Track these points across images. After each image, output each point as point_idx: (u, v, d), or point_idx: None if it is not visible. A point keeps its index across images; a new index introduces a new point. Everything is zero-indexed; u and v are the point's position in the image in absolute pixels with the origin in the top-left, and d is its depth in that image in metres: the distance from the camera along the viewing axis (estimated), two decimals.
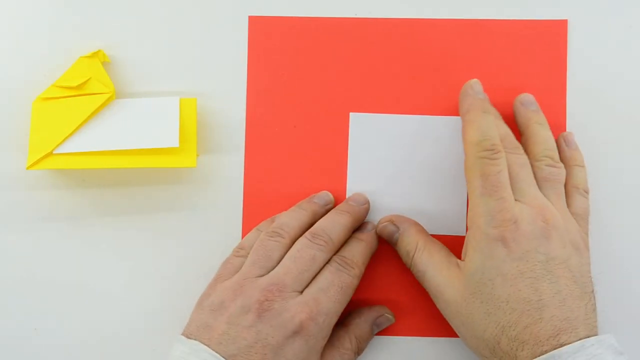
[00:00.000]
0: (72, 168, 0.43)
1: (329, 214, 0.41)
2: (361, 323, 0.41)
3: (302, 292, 0.38)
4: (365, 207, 0.42)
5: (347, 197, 0.43)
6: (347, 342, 0.40)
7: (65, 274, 0.44)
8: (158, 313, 0.43)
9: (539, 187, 0.39)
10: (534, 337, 0.34)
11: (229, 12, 0.45)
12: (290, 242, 0.40)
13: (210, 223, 0.44)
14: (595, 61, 0.44)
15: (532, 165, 0.39)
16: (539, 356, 0.33)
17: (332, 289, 0.38)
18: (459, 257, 0.39)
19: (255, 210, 0.44)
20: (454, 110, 0.43)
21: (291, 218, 0.41)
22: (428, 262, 0.39)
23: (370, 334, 0.42)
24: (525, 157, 0.39)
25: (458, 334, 0.39)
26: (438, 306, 0.39)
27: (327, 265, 0.39)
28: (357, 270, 0.40)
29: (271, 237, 0.40)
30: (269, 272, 0.38)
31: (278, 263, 0.39)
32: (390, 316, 0.42)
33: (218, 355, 0.35)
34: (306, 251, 0.39)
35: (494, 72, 0.44)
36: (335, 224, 0.40)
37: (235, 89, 0.45)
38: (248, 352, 0.35)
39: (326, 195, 0.43)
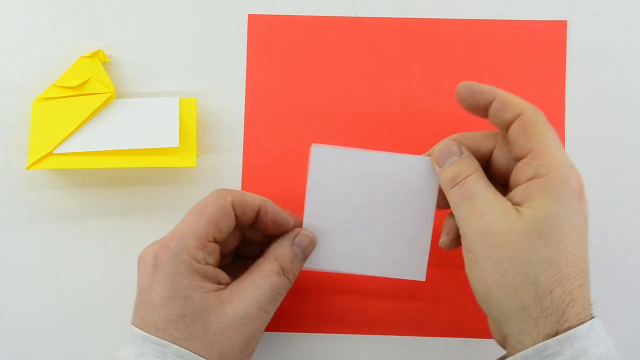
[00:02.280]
0: (72, 168, 0.44)
1: None
2: (279, 244, 0.39)
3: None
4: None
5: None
6: (266, 264, 0.38)
7: (65, 273, 0.44)
8: None
9: None
10: (583, 298, 0.33)
11: (229, 10, 0.45)
12: None
13: None
14: (595, 61, 0.44)
15: None
16: (583, 322, 0.33)
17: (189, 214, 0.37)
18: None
19: None
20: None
21: None
22: (484, 185, 0.36)
23: (293, 254, 0.39)
24: None
25: (482, 267, 0.35)
26: (474, 230, 0.35)
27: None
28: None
29: None
30: None
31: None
32: (308, 233, 0.40)
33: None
34: None
35: (493, 72, 0.44)
36: None
37: (235, 89, 0.45)
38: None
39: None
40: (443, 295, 0.43)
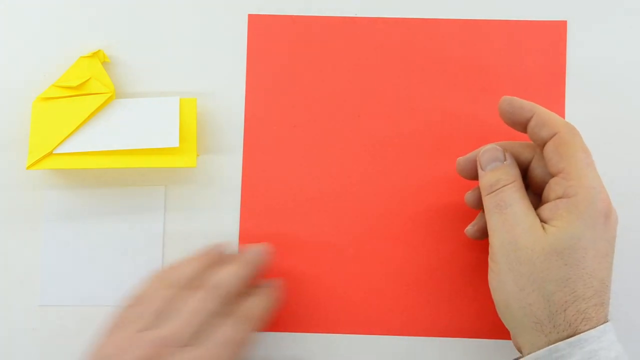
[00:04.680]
0: (72, 168, 0.44)
1: (226, 265, 0.40)
2: None
3: (194, 345, 0.36)
4: (262, 257, 0.41)
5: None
6: None
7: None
8: None
9: None
10: (597, 317, 0.34)
11: (229, 10, 0.45)
12: (185, 293, 0.38)
13: (210, 223, 0.44)
14: (595, 62, 0.44)
15: None
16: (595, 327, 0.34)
17: (225, 343, 0.37)
18: None
19: (254, 210, 0.44)
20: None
21: (187, 267, 0.40)
22: (518, 198, 0.37)
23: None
24: None
25: (503, 279, 0.36)
26: (500, 242, 0.36)
27: (223, 318, 0.38)
28: (252, 325, 0.39)
29: (165, 288, 0.38)
30: (160, 324, 0.37)
31: (171, 315, 0.37)
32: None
33: None
34: (200, 304, 0.37)
35: (494, 72, 0.44)
36: (231, 276, 0.39)
37: (235, 89, 0.45)
38: None
39: (225, 244, 0.42)
40: (444, 295, 0.43)
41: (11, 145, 0.44)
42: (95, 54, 0.44)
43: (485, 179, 0.38)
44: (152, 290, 0.39)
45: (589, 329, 0.34)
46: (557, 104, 0.44)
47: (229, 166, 0.44)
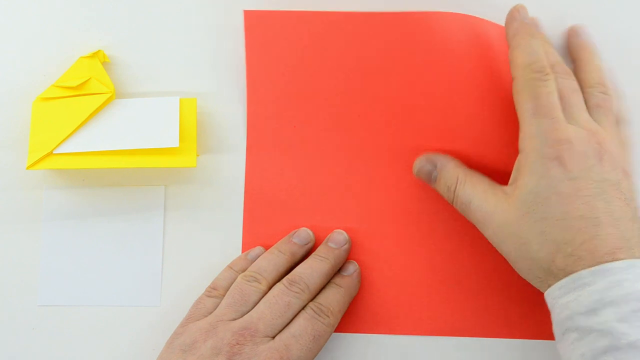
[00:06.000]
0: (72, 168, 0.44)
1: (308, 260, 0.41)
2: None
3: (274, 337, 0.38)
4: (346, 249, 0.42)
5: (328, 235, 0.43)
6: None
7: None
8: (158, 312, 0.43)
9: (590, 114, 0.38)
10: (590, 253, 0.34)
11: (229, 10, 0.45)
12: (267, 287, 0.40)
13: (211, 223, 0.44)
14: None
15: (583, 92, 0.39)
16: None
17: (305, 337, 0.38)
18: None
19: (256, 210, 0.44)
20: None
21: (269, 262, 0.41)
22: (472, 192, 0.39)
23: None
24: (576, 82, 0.39)
25: (509, 260, 0.38)
26: (487, 234, 0.39)
27: (302, 311, 0.39)
28: (333, 319, 0.40)
29: (248, 281, 0.40)
30: (242, 315, 0.38)
31: (253, 307, 0.39)
32: None
33: None
34: (282, 297, 0.39)
35: (494, 69, 0.43)
36: (313, 271, 0.40)
37: (235, 88, 0.45)
38: None
39: (305, 234, 0.43)
40: (445, 296, 0.43)
41: (11, 145, 0.44)
42: (95, 54, 0.44)
43: (441, 193, 0.41)
44: (235, 283, 0.40)
45: (589, 263, 0.33)
46: None
47: (229, 166, 0.44)
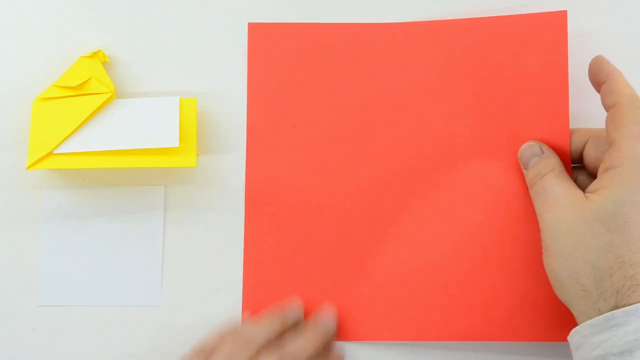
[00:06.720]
0: (72, 168, 0.44)
1: (300, 336, 0.41)
2: None
3: None
4: (335, 326, 0.42)
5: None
6: None
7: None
8: (158, 312, 0.43)
9: None
10: None
11: (229, 11, 0.45)
12: (257, 354, 0.39)
13: (211, 223, 0.44)
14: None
15: None
16: None
17: None
18: None
19: (257, 210, 0.44)
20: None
21: (261, 329, 0.41)
22: (557, 182, 0.39)
23: None
24: None
25: (552, 253, 0.37)
26: (547, 217, 0.38)
27: None
28: None
29: (239, 347, 0.39)
30: None
31: None
32: None
33: None
34: None
35: (494, 66, 0.43)
36: (309, 345, 0.40)
37: (235, 90, 0.45)
38: None
39: (296, 307, 0.42)
40: (444, 298, 0.43)
41: (11, 145, 0.44)
42: (95, 54, 0.44)
43: (528, 177, 0.41)
44: (225, 347, 0.40)
45: (638, 296, 0.33)
46: (559, 96, 0.43)
47: (229, 166, 0.44)
